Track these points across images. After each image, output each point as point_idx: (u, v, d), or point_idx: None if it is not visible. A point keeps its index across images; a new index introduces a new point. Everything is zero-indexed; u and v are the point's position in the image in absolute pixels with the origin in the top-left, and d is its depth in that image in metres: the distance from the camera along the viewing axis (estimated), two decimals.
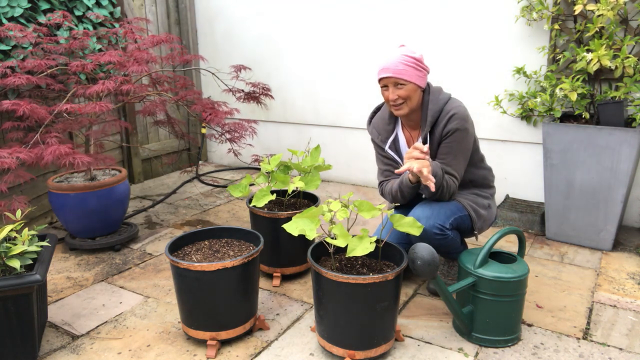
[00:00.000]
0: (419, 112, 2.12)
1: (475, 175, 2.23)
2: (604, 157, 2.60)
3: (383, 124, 2.22)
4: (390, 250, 1.92)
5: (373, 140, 2.28)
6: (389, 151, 2.21)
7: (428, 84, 2.12)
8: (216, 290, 1.81)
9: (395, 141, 2.22)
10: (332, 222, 1.77)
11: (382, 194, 2.28)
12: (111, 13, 3.43)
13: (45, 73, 2.68)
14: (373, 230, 3.00)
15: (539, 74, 3.09)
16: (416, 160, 1.87)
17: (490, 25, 3.22)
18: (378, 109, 2.30)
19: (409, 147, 2.19)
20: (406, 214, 2.25)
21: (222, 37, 4.41)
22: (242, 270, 1.84)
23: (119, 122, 3.04)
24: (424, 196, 2.17)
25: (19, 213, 1.95)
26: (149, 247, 2.87)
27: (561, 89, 2.68)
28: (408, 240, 2.25)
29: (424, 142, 2.10)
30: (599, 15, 2.57)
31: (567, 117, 2.90)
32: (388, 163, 2.26)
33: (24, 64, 2.60)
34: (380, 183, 2.30)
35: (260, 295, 2.32)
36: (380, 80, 2.05)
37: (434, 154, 2.10)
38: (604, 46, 2.58)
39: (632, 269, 2.54)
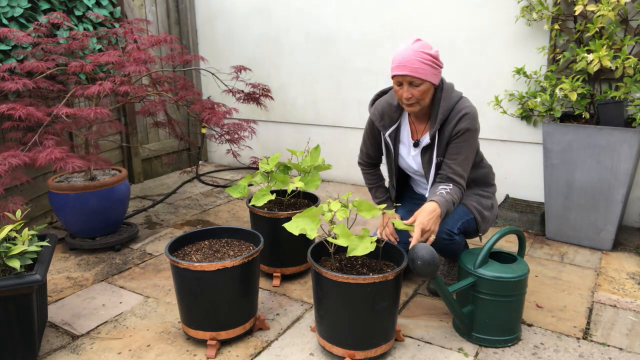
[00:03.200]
0: (429, 108, 2.07)
1: (477, 174, 2.22)
2: (604, 157, 2.60)
3: (389, 111, 2.14)
4: (391, 250, 1.92)
5: (371, 122, 2.20)
6: (387, 138, 2.16)
7: (441, 80, 2.05)
8: (216, 290, 1.81)
9: (397, 130, 2.17)
10: (332, 222, 1.77)
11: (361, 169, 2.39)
12: (111, 13, 3.43)
13: (44, 74, 2.68)
14: (373, 230, 2.99)
15: (539, 74, 3.08)
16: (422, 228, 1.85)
17: (490, 25, 3.22)
18: (384, 92, 2.22)
19: (413, 139, 2.15)
20: (406, 213, 2.24)
21: (222, 37, 4.41)
22: (242, 270, 1.84)
23: (116, 124, 3.04)
24: (426, 195, 2.15)
25: (18, 213, 1.95)
26: (149, 247, 2.87)
27: (561, 89, 2.68)
28: (408, 240, 2.24)
29: (432, 139, 2.06)
30: (599, 16, 2.57)
31: (567, 117, 2.90)
32: (377, 148, 2.25)
33: (22, 65, 2.60)
34: (360, 163, 2.37)
35: (260, 295, 2.32)
36: (394, 76, 1.96)
37: (442, 153, 2.07)
38: (604, 46, 2.58)
39: (632, 269, 2.53)
